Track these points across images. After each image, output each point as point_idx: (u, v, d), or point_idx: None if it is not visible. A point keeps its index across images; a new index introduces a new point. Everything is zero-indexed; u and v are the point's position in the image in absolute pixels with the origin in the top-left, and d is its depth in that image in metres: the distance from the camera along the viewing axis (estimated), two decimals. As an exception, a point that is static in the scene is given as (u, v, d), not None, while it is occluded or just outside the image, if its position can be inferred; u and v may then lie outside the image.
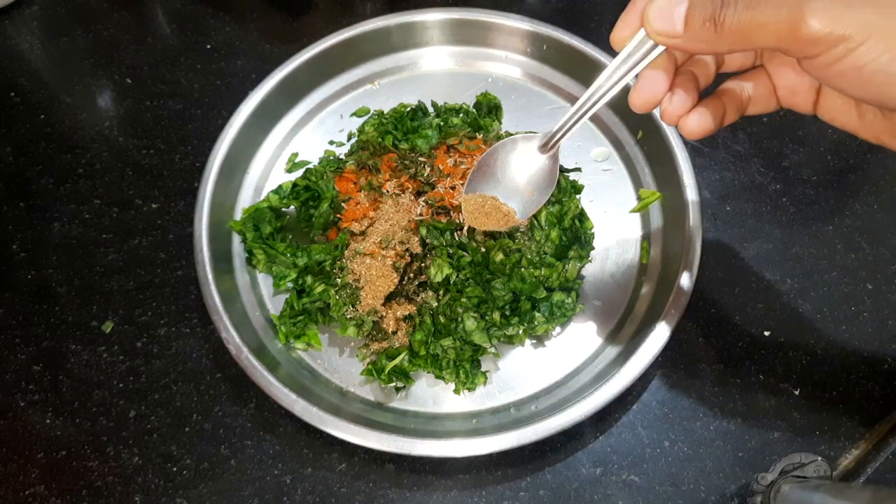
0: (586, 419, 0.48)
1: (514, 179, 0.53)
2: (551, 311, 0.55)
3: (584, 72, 0.66)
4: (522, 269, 0.55)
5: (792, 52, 0.31)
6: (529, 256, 0.56)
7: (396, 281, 0.54)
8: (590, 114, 0.45)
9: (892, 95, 0.30)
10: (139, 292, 0.59)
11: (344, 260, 0.55)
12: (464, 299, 0.53)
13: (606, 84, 0.42)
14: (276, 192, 0.61)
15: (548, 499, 0.50)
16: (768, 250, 0.60)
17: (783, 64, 0.40)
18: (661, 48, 0.36)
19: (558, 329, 0.56)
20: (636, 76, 0.39)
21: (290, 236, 0.59)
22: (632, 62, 0.38)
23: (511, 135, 0.63)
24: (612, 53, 0.64)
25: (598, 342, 0.56)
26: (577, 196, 0.60)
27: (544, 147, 0.51)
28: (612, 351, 0.54)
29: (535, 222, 0.57)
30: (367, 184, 0.59)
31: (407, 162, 0.59)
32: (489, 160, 0.53)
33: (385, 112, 0.65)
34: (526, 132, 0.55)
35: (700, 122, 0.39)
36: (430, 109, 0.66)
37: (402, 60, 0.70)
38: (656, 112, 0.60)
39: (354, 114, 0.68)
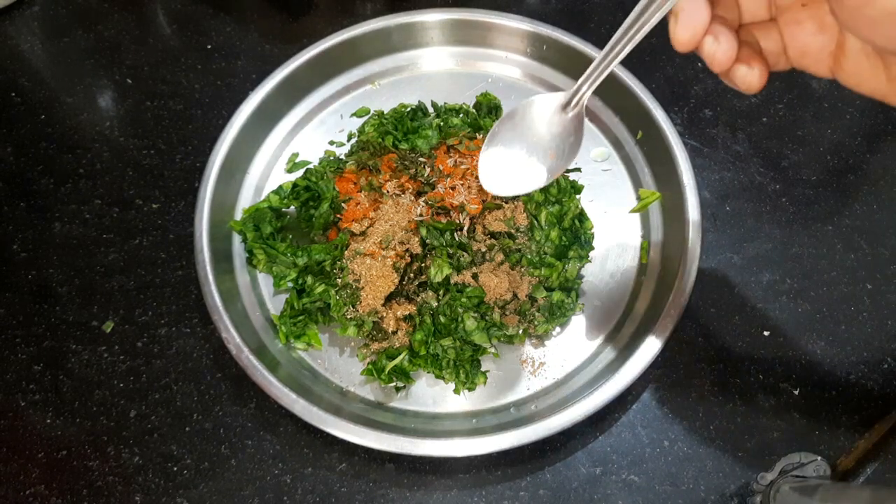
0: (586, 419, 0.48)
1: (537, 141, 0.48)
2: (551, 311, 0.55)
3: (584, 72, 0.66)
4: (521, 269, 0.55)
5: None
6: (529, 256, 0.56)
7: (396, 281, 0.54)
8: (617, 60, 0.41)
9: None
10: (140, 292, 0.59)
11: (344, 260, 0.56)
12: (464, 299, 0.53)
13: (637, 24, 0.38)
14: (276, 192, 0.61)
15: (548, 498, 0.50)
16: (768, 250, 0.60)
17: (793, 22, 0.36)
18: None
19: (558, 329, 0.56)
20: (671, 12, 0.36)
21: (291, 236, 0.59)
22: None
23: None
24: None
25: (598, 342, 0.56)
26: (577, 196, 0.60)
27: (568, 105, 0.46)
28: (612, 351, 0.54)
29: (535, 222, 0.57)
30: (367, 184, 0.59)
31: (407, 162, 0.59)
32: (509, 121, 0.49)
33: (385, 112, 0.65)
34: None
35: (754, 74, 0.36)
36: (430, 110, 0.67)
37: (402, 61, 0.71)
38: (656, 112, 0.61)
39: (354, 114, 0.68)
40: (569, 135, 0.48)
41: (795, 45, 0.36)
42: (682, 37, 0.36)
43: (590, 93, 0.45)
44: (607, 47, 0.41)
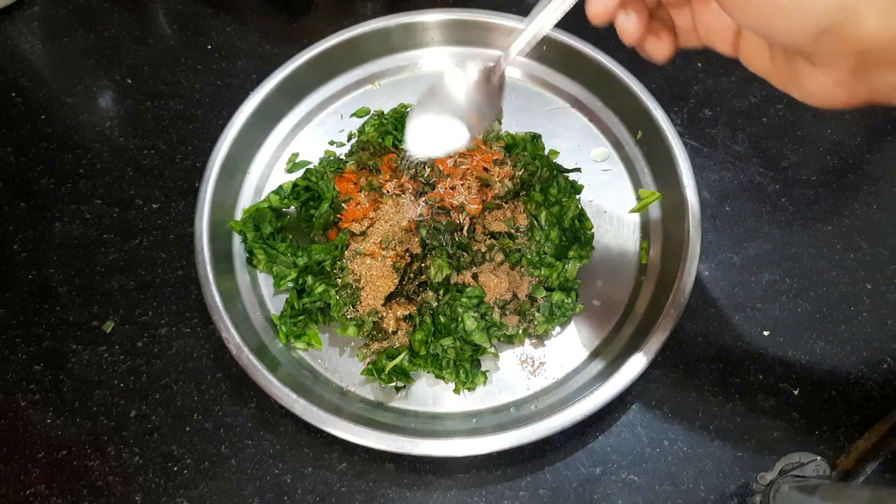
0: (586, 419, 0.48)
1: (460, 108, 0.50)
2: (551, 311, 0.55)
3: (584, 72, 0.66)
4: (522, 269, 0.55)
5: None
6: (529, 256, 0.56)
7: (396, 281, 0.54)
8: (540, 31, 0.45)
9: (776, 26, 0.31)
10: (140, 292, 0.59)
11: (344, 260, 0.56)
12: (464, 299, 0.53)
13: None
14: (276, 192, 0.61)
15: (547, 498, 0.50)
16: (767, 250, 0.61)
17: (702, 2, 0.39)
18: None
19: (558, 329, 0.56)
20: None
21: (291, 236, 0.59)
22: None
23: (511, 135, 0.63)
24: (612, 53, 0.65)
25: (598, 342, 0.56)
26: (577, 196, 0.60)
27: (490, 75, 0.48)
28: (612, 351, 0.54)
29: (535, 222, 0.57)
30: (367, 184, 0.59)
31: (407, 162, 0.59)
32: (433, 91, 0.50)
33: (385, 112, 0.65)
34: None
35: (662, 44, 0.40)
36: (431, 110, 0.66)
37: (403, 61, 0.71)
38: (656, 112, 0.61)
39: (355, 114, 0.68)
40: (491, 99, 0.49)
41: (703, 24, 0.39)
42: (594, 10, 0.39)
43: (507, 64, 0.46)
44: (528, 18, 0.44)
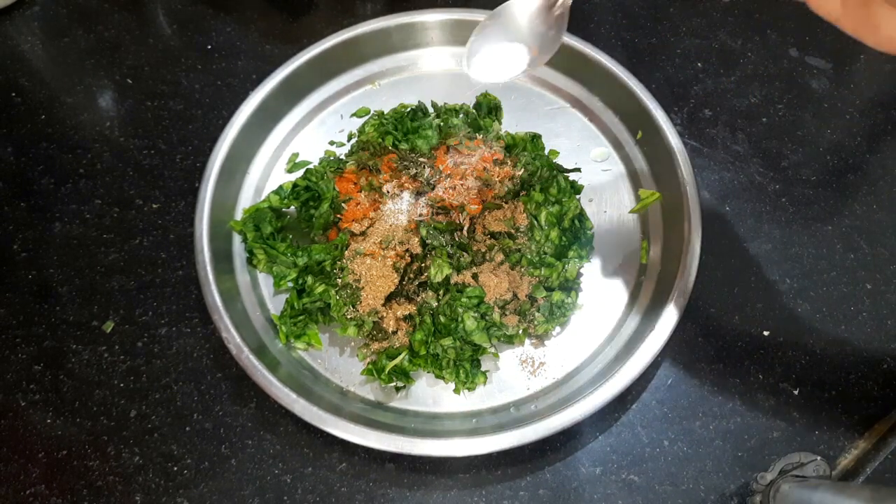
0: (586, 419, 0.48)
1: (522, 34, 0.49)
2: (551, 311, 0.55)
3: (584, 72, 0.66)
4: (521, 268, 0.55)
5: None
6: (529, 256, 0.56)
7: (396, 281, 0.54)
8: None
9: None
10: (140, 292, 0.59)
11: (344, 260, 0.56)
12: (464, 299, 0.53)
13: None
14: (276, 192, 0.61)
15: (547, 498, 0.50)
16: (767, 250, 0.61)
17: None
18: None
19: (558, 329, 0.56)
20: None
21: (291, 236, 0.60)
22: None
23: (511, 135, 0.63)
24: (612, 54, 0.65)
25: (598, 342, 0.56)
26: (577, 196, 0.60)
27: (553, 5, 0.48)
28: (612, 351, 0.54)
29: (535, 222, 0.57)
30: (367, 184, 0.59)
31: (407, 162, 0.59)
32: (497, 17, 0.50)
33: (385, 112, 0.65)
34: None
35: None
36: (430, 110, 0.67)
37: (402, 61, 0.71)
38: (656, 112, 0.61)
39: (355, 114, 0.68)
40: (550, 30, 0.49)
41: None
42: None
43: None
44: None
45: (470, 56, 0.50)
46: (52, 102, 0.71)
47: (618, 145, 0.65)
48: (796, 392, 0.54)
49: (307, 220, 0.59)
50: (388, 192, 0.58)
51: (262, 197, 0.63)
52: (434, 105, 0.67)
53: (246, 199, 0.63)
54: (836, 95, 0.69)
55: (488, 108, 0.66)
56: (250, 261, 0.59)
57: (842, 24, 0.36)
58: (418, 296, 0.55)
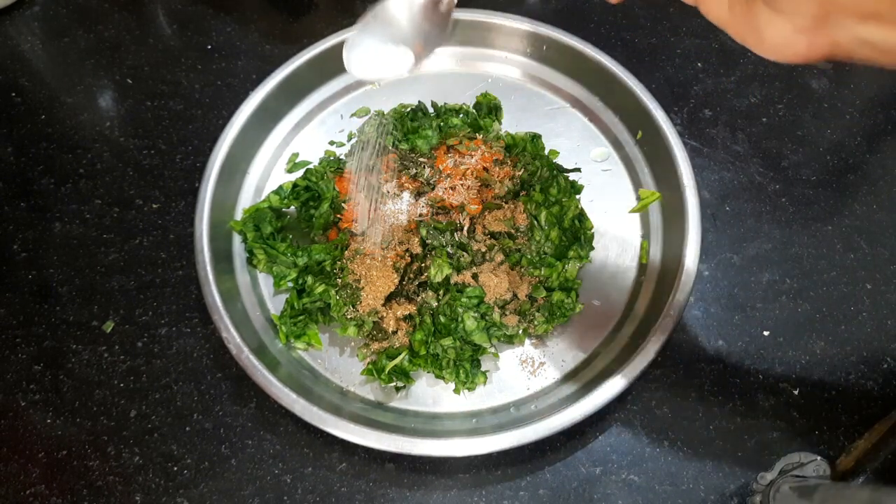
0: (586, 419, 0.48)
1: (405, 32, 0.48)
2: (551, 311, 0.55)
3: (584, 72, 0.66)
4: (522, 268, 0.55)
5: None
6: (529, 256, 0.56)
7: (396, 281, 0.54)
8: None
9: None
10: (140, 292, 0.59)
11: (344, 260, 0.56)
12: (464, 299, 0.53)
13: None
14: (276, 192, 0.61)
15: (547, 498, 0.50)
16: (767, 250, 0.61)
17: None
18: None
19: (558, 329, 0.56)
20: None
21: (291, 236, 0.59)
22: None
23: (511, 135, 0.63)
24: (612, 54, 0.65)
25: (598, 342, 0.56)
26: (577, 196, 0.60)
27: (439, 2, 0.47)
28: (612, 351, 0.54)
29: (535, 222, 0.57)
30: (367, 184, 0.59)
31: (407, 162, 0.59)
32: (375, 13, 0.48)
33: (385, 112, 0.65)
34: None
35: None
36: (430, 110, 0.67)
37: (403, 61, 0.70)
38: (656, 112, 0.61)
39: (355, 114, 0.68)
40: (435, 28, 0.48)
41: None
42: None
43: None
44: None
45: (349, 50, 0.48)
46: (52, 102, 0.71)
47: (618, 145, 0.65)
48: (796, 392, 0.54)
49: (307, 220, 0.59)
50: (388, 192, 0.58)
51: (262, 197, 0.63)
52: (434, 105, 0.67)
53: (246, 199, 0.63)
54: (836, 95, 0.69)
55: (488, 108, 0.66)
56: (250, 261, 0.59)
57: (729, 30, 0.35)
58: (418, 296, 0.55)
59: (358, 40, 0.48)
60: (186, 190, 0.65)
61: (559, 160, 0.64)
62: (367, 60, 0.48)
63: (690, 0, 0.38)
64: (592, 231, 0.59)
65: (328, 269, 0.56)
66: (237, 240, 0.60)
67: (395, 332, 0.54)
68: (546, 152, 0.64)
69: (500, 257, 0.56)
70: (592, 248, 0.59)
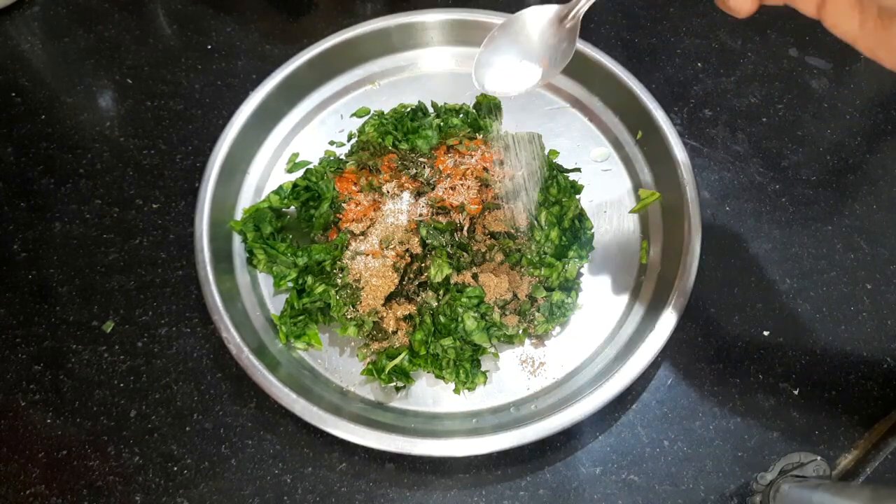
0: (586, 419, 0.48)
1: (531, 48, 0.49)
2: (551, 311, 0.55)
3: (584, 72, 0.66)
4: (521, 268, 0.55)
5: None
6: (529, 256, 0.56)
7: (396, 281, 0.54)
8: None
9: None
10: (140, 292, 0.59)
11: (344, 260, 0.56)
12: (464, 299, 0.53)
13: None
14: (276, 192, 0.61)
15: (547, 498, 0.50)
16: (767, 250, 0.61)
17: None
18: None
19: (558, 329, 0.56)
20: None
21: (291, 236, 0.60)
22: None
23: (511, 135, 0.63)
24: (612, 54, 0.65)
25: (598, 342, 0.56)
26: (577, 196, 0.60)
27: (565, 17, 0.48)
28: (612, 351, 0.54)
29: (535, 222, 0.57)
30: (367, 184, 0.59)
31: (407, 162, 0.59)
32: (507, 27, 0.49)
33: (385, 112, 0.65)
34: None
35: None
36: (430, 110, 0.67)
37: (403, 61, 0.71)
38: (656, 112, 0.61)
39: (355, 114, 0.68)
40: (562, 43, 0.49)
41: None
42: None
43: (587, 6, 0.46)
44: None
45: (479, 67, 0.49)
46: (52, 102, 0.71)
47: (618, 145, 0.65)
48: (796, 392, 0.54)
49: (307, 220, 0.59)
50: (388, 192, 0.58)
51: (262, 197, 0.63)
52: (434, 105, 0.67)
53: (246, 199, 0.63)
54: (836, 95, 0.69)
55: (488, 108, 0.66)
56: (250, 261, 0.59)
57: (859, 45, 0.36)
58: (418, 296, 0.55)
59: (487, 57, 0.49)
60: (186, 190, 0.65)
61: (559, 160, 0.64)
62: (497, 76, 0.49)
63: (811, 13, 0.37)
64: (592, 231, 0.59)
65: (328, 269, 0.56)
66: (237, 240, 0.60)
67: (395, 332, 0.54)
68: (546, 152, 0.64)
69: (500, 257, 0.56)
70: (592, 248, 0.59)
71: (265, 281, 0.59)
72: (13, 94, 0.72)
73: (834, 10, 0.36)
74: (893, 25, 0.32)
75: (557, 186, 0.59)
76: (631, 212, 0.62)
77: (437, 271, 0.54)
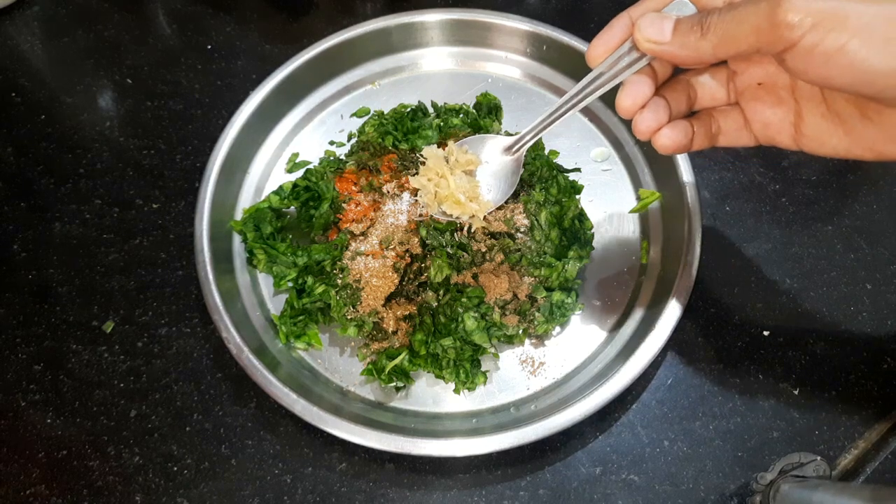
0: (586, 419, 0.48)
1: (477, 177, 0.55)
2: (551, 311, 0.55)
3: (584, 72, 0.66)
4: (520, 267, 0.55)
5: (772, 44, 0.31)
6: (529, 256, 0.56)
7: (397, 281, 0.54)
8: (556, 123, 0.48)
9: (869, 80, 0.30)
10: (140, 292, 0.59)
11: (344, 260, 0.56)
12: (464, 299, 0.53)
13: (576, 97, 0.45)
14: (276, 192, 0.61)
15: (547, 498, 0.50)
16: (767, 250, 0.61)
17: (755, 99, 0.40)
18: (640, 63, 0.39)
19: (558, 329, 0.56)
20: (621, 83, 0.41)
21: (291, 236, 0.60)
22: (606, 76, 0.41)
23: (510, 134, 0.63)
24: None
25: (598, 342, 0.56)
26: (577, 196, 0.60)
27: (510, 149, 0.53)
28: (612, 351, 0.54)
29: (535, 222, 0.57)
30: (367, 184, 0.59)
31: (407, 162, 0.59)
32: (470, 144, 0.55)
33: (385, 112, 0.65)
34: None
35: (672, 135, 0.40)
36: (430, 110, 0.67)
37: (403, 61, 0.71)
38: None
39: (355, 114, 0.68)
40: (507, 175, 0.54)
41: (757, 120, 0.40)
42: (624, 104, 0.40)
43: (531, 143, 0.52)
44: (548, 111, 0.47)
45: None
46: (52, 102, 0.71)
47: (618, 145, 0.65)
48: (796, 392, 0.54)
49: (307, 220, 0.59)
50: (388, 192, 0.58)
51: (262, 197, 0.63)
52: (434, 105, 0.67)
53: (246, 199, 0.63)
54: (836, 95, 0.69)
55: (488, 108, 0.66)
56: (250, 261, 0.59)
57: (852, 152, 0.36)
58: (418, 296, 0.55)
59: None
60: (186, 190, 0.65)
61: (559, 160, 0.64)
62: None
63: (791, 144, 0.39)
64: (592, 231, 0.59)
65: (328, 269, 0.56)
66: (237, 240, 0.60)
67: (395, 333, 0.54)
68: (546, 152, 0.64)
69: (500, 257, 0.56)
70: (592, 248, 0.59)
71: (265, 281, 0.59)
72: (13, 94, 0.72)
73: (815, 132, 0.37)
74: (884, 113, 0.32)
75: (557, 186, 0.59)
76: (631, 212, 0.62)
77: (437, 271, 0.54)
